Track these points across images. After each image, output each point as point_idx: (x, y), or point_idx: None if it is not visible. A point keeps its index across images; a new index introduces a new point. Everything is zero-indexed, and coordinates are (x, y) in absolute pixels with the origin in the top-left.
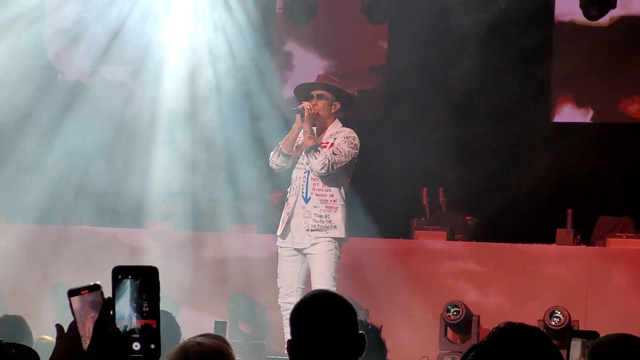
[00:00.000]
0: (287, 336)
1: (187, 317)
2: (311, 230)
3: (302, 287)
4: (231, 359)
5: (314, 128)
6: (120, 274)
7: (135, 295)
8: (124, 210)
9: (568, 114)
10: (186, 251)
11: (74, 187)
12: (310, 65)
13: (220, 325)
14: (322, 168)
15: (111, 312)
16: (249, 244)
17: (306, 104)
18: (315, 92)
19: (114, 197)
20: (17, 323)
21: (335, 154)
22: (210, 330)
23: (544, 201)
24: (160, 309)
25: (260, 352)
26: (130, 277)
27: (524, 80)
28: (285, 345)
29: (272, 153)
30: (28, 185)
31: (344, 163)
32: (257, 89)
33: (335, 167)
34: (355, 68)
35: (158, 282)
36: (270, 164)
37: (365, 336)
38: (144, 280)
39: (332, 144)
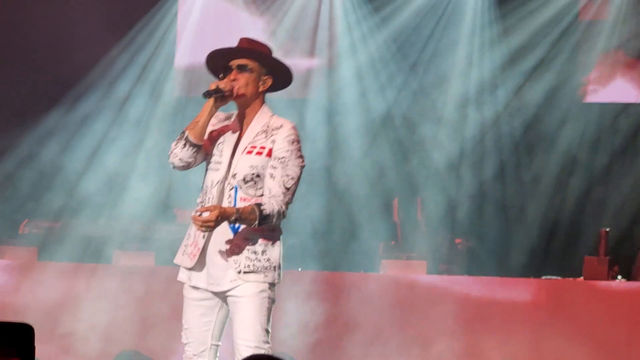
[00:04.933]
0: None
1: None
2: (244, 272)
3: (217, 344)
4: None
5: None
6: None
7: None
8: None
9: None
10: (53, 290)
11: None
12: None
13: None
14: (279, 219)
15: None
16: (144, 280)
17: (226, 83)
18: (235, 62)
19: None
20: None
21: (287, 188)
22: None
23: (567, 216)
24: None
25: None
26: None
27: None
28: None
29: (173, 143)
30: None
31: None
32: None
33: (291, 202)
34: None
35: (33, 347)
36: (171, 159)
37: None
38: (12, 346)
39: (269, 151)
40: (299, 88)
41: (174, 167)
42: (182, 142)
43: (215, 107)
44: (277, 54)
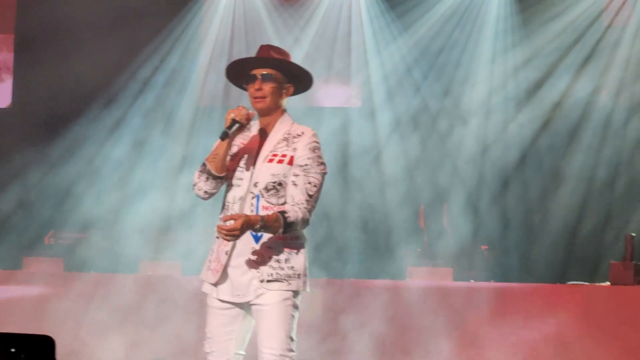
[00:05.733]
0: None
1: None
2: (267, 281)
3: (241, 353)
4: None
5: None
6: None
7: None
8: None
9: None
10: (79, 301)
11: None
12: None
13: None
14: (303, 226)
15: None
16: (170, 289)
17: (240, 112)
18: (259, 71)
19: None
20: None
21: (310, 195)
22: None
23: (592, 222)
24: None
25: None
26: (13, 350)
27: None
28: None
29: (196, 174)
30: None
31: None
32: None
33: (314, 209)
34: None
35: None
36: (196, 192)
37: None
38: (34, 356)
39: (291, 159)
40: (321, 95)
41: (200, 198)
42: (205, 175)
43: (233, 136)
44: (300, 61)
